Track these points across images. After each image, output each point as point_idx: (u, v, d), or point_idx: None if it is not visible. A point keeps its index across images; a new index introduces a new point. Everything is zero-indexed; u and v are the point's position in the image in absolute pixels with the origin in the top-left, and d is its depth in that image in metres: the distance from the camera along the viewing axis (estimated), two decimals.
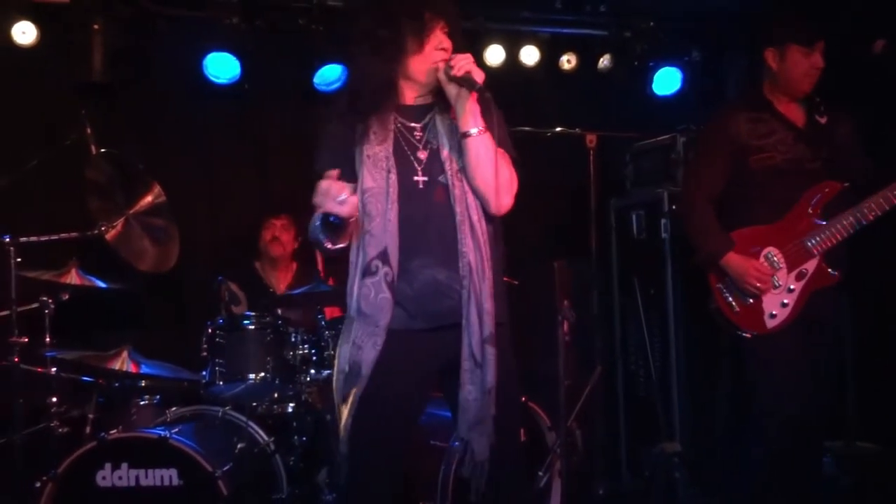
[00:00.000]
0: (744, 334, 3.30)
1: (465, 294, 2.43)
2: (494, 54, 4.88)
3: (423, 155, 2.53)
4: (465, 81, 2.45)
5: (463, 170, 2.49)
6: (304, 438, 3.93)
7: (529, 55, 5.00)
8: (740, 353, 3.37)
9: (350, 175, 2.48)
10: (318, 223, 2.42)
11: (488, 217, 2.52)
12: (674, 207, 4.42)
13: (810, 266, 3.27)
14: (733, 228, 3.34)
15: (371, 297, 2.43)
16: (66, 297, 3.79)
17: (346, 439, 2.47)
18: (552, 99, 5.07)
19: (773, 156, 3.29)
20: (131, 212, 3.93)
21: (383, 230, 2.44)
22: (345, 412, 2.48)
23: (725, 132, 3.36)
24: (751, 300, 3.28)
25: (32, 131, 4.45)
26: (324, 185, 2.29)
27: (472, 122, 2.47)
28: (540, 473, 3.71)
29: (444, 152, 2.51)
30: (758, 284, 3.24)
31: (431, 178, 2.51)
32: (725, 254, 3.29)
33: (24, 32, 4.32)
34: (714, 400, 4.39)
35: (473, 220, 2.47)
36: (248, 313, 3.80)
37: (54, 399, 3.66)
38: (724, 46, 5.17)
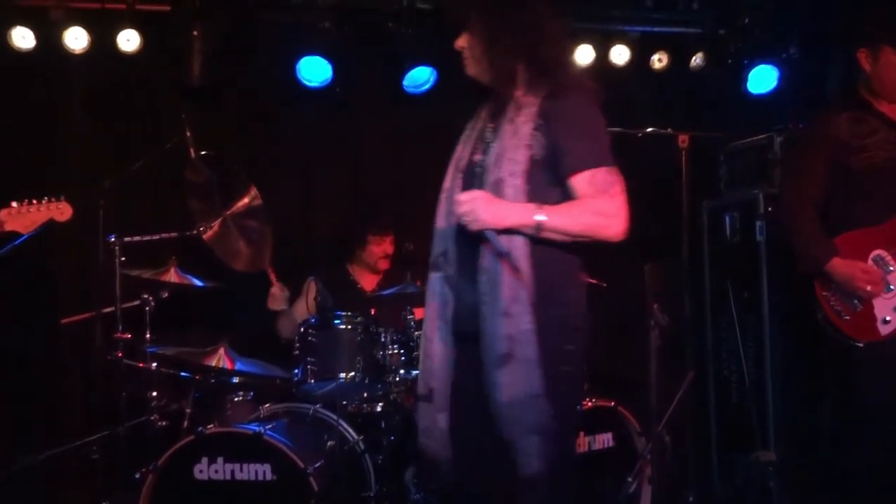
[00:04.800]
0: (856, 343, 3.17)
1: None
2: (584, 54, 4.82)
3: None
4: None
5: None
6: (393, 437, 3.97)
7: (620, 54, 4.92)
8: (848, 362, 3.24)
9: None
10: None
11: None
12: (769, 209, 4.28)
13: None
14: (837, 231, 3.24)
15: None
16: (166, 294, 3.90)
17: None
18: (643, 99, 4.97)
19: (875, 154, 3.20)
20: (228, 213, 4.04)
21: None
22: None
23: (826, 133, 3.27)
24: (860, 307, 3.16)
25: (136, 134, 4.62)
26: None
27: (526, 225, 2.33)
28: (629, 479, 3.67)
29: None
30: (868, 287, 3.13)
31: None
32: (829, 260, 3.18)
33: (129, 40, 4.48)
34: (811, 408, 4.24)
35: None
36: (339, 313, 3.85)
37: (154, 393, 3.76)
38: (824, 42, 4.99)
